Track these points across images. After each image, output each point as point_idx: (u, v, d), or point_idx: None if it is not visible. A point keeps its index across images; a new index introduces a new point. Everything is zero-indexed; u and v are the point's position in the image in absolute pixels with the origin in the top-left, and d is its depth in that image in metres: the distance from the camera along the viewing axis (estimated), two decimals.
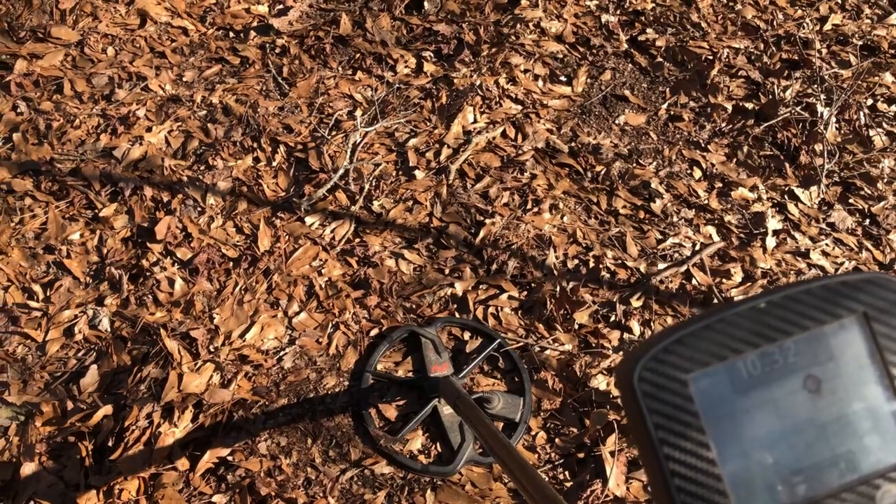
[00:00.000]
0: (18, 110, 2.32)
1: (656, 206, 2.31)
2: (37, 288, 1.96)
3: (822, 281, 0.45)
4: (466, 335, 1.98)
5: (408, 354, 1.94)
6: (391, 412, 1.83)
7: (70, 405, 1.76)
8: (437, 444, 1.80)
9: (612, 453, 1.77)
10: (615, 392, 1.87)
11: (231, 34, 2.69)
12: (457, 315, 2.00)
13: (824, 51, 2.83)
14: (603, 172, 2.37)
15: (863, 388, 0.44)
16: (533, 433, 1.83)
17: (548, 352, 1.96)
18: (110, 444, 1.68)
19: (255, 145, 2.32)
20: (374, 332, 1.96)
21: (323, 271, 2.06)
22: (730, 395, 0.43)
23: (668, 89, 2.68)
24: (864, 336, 0.45)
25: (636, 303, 2.07)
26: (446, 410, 1.81)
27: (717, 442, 0.42)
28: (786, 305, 0.45)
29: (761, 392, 0.43)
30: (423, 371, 1.87)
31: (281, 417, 1.79)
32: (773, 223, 2.31)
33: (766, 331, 0.44)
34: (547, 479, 1.76)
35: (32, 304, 1.93)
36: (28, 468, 1.64)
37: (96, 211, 2.12)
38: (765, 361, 0.44)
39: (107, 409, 1.74)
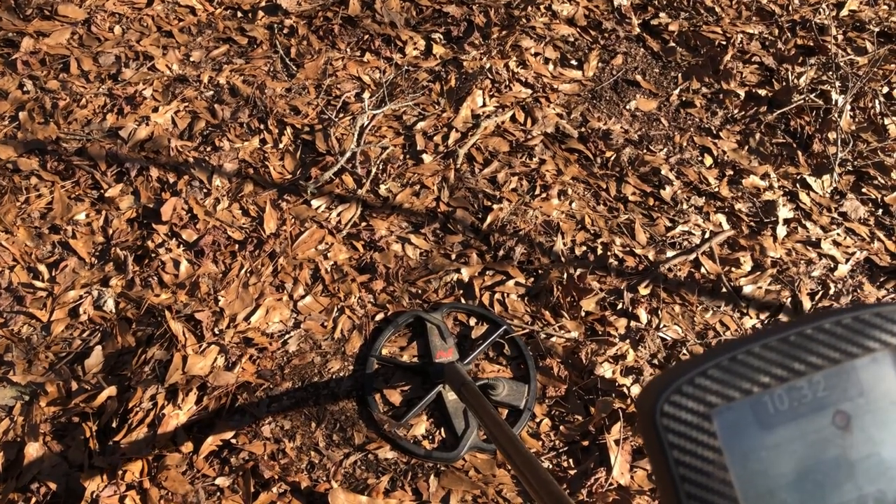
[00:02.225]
0: (25, 89, 2.31)
1: (666, 193, 2.28)
2: (42, 268, 1.96)
3: (854, 312, 0.43)
4: (472, 321, 1.97)
5: (413, 340, 1.93)
6: (395, 397, 1.83)
7: (74, 386, 1.76)
8: (441, 430, 1.80)
9: (616, 442, 1.76)
10: (621, 380, 1.86)
11: (239, 14, 2.66)
12: (462, 301, 1.99)
13: (840, 37, 2.78)
14: (613, 158, 2.35)
15: (894, 426, 0.43)
16: (538, 420, 1.82)
17: (554, 339, 1.94)
18: (114, 425, 1.68)
19: (261, 127, 2.31)
20: (379, 317, 1.95)
21: (329, 255, 2.05)
22: (755, 431, 0.41)
23: (680, 74, 2.64)
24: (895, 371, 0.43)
25: (644, 291, 2.05)
26: (451, 396, 1.80)
27: (740, 480, 0.40)
28: (816, 337, 0.42)
29: (788, 428, 0.42)
30: (429, 357, 1.86)
31: (285, 401, 1.79)
32: (784, 212, 2.28)
33: (795, 364, 0.42)
34: (551, 466, 1.75)
35: (38, 283, 1.93)
36: (32, 448, 1.65)
37: (102, 191, 2.11)
38: (792, 396, 0.42)
39: (111, 391, 1.73)
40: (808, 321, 0.43)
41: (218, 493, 1.64)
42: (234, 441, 1.70)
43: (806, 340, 0.42)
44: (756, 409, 0.41)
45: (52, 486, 1.61)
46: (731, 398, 0.41)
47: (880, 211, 2.34)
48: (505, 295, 2.01)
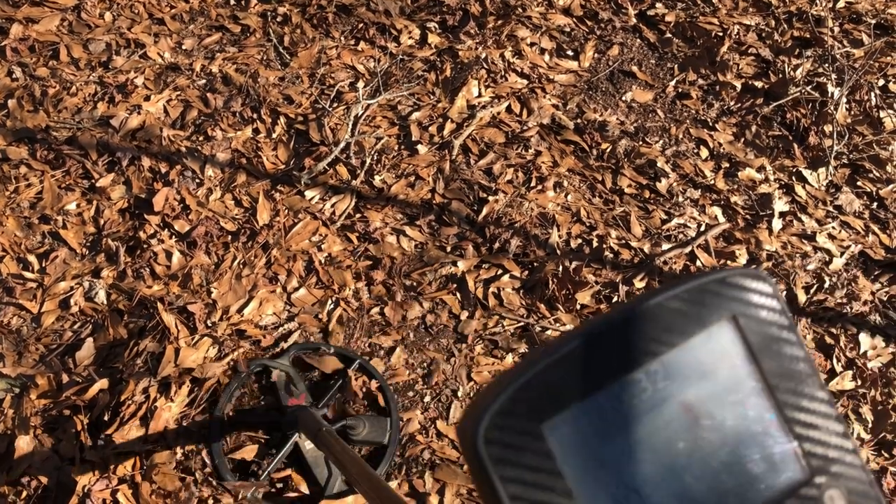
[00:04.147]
0: (14, 76, 2.27)
1: (662, 185, 2.28)
2: (32, 258, 1.93)
3: (681, 285, 0.38)
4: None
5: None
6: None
7: (65, 378, 1.74)
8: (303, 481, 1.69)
9: None
10: None
11: (232, 1, 2.63)
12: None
13: (836, 29, 2.77)
14: (608, 150, 2.33)
15: (743, 407, 0.38)
16: None
17: (549, 332, 1.94)
18: (106, 418, 1.67)
19: (254, 116, 2.28)
20: (374, 310, 1.93)
21: (323, 246, 2.03)
22: (595, 440, 0.35)
23: (676, 66, 2.63)
24: (736, 344, 0.38)
25: (639, 283, 2.04)
26: (308, 445, 1.67)
27: (587, 501, 0.35)
28: (645, 319, 0.37)
29: (632, 430, 0.36)
30: (279, 406, 1.73)
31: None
32: (780, 205, 2.28)
33: (628, 354, 0.36)
34: None
35: (27, 274, 1.91)
36: (23, 441, 1.63)
37: (93, 181, 2.09)
38: (631, 393, 0.36)
39: (103, 383, 1.72)
40: (633, 305, 0.38)
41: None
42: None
43: (635, 325, 0.37)
44: (593, 414, 0.36)
45: (43, 479, 1.59)
46: (563, 406, 0.35)
47: (875, 204, 2.34)
48: (500, 288, 2.00)
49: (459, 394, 1.83)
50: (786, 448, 0.38)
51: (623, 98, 2.51)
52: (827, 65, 2.59)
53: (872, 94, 2.56)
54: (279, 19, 2.57)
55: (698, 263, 2.11)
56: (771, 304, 0.39)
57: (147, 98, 2.28)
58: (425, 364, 1.88)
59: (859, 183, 2.38)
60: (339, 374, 1.81)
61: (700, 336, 0.38)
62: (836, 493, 0.38)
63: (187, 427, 1.70)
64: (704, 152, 2.40)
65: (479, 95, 2.43)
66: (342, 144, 2.18)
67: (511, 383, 0.35)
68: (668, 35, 2.70)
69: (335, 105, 2.33)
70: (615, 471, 0.35)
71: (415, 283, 1.98)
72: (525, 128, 2.36)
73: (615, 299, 2.00)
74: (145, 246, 1.96)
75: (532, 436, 0.35)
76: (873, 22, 2.79)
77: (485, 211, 2.13)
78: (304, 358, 1.82)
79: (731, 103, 2.54)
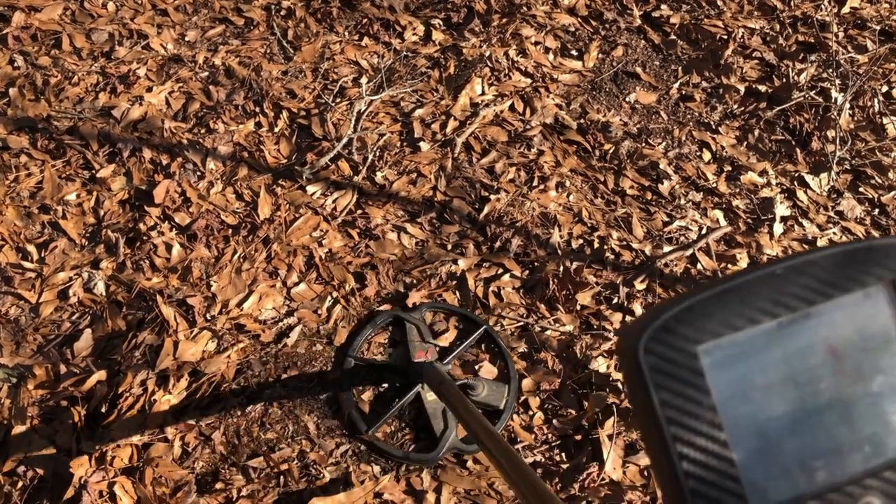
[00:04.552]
0: (16, 64, 2.26)
1: (664, 187, 2.27)
2: (31, 248, 1.92)
3: (846, 246, 0.41)
4: (453, 321, 1.93)
5: (393, 339, 1.90)
6: (373, 397, 1.80)
7: (63, 369, 1.73)
8: (419, 431, 1.76)
9: (609, 436, 1.75)
10: (616, 375, 1.85)
11: None
12: (446, 299, 1.97)
13: (841, 34, 2.77)
14: (611, 151, 2.33)
15: (889, 363, 0.40)
16: (531, 413, 1.81)
17: (548, 332, 1.93)
18: (103, 410, 1.66)
19: (257, 110, 2.27)
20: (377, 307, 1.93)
21: (323, 242, 2.02)
22: (744, 369, 0.39)
23: (680, 68, 2.63)
24: (891, 306, 0.40)
25: (640, 285, 2.04)
26: (430, 397, 1.75)
27: (729, 422, 0.38)
28: (806, 272, 0.40)
29: (779, 367, 0.39)
30: (407, 356, 1.82)
31: (278, 389, 1.77)
32: (782, 209, 2.27)
33: (785, 299, 0.39)
34: (543, 460, 1.75)
35: (26, 264, 1.90)
36: (19, 432, 1.62)
37: (94, 171, 2.08)
38: (783, 333, 0.39)
39: (100, 375, 1.71)
40: (797, 256, 0.40)
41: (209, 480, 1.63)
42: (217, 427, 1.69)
43: (796, 275, 0.40)
44: (745, 347, 0.39)
45: (40, 470, 1.58)
46: (719, 334, 0.39)
47: (876, 211, 2.34)
48: (500, 288, 1.99)
49: None
50: None
51: (626, 99, 2.51)
52: (831, 70, 2.59)
53: (876, 101, 2.56)
54: (283, 13, 2.57)
55: (699, 266, 2.10)
56: None
57: (149, 89, 2.27)
58: None
59: (861, 189, 2.38)
60: (465, 336, 1.88)
61: (857, 293, 0.40)
62: None
63: (323, 372, 1.79)
64: (707, 155, 2.40)
65: (483, 93, 2.42)
66: (344, 140, 2.18)
67: (676, 305, 0.39)
68: (673, 37, 2.70)
69: (338, 100, 2.32)
70: (759, 399, 0.39)
71: (415, 281, 1.98)
72: (528, 127, 2.35)
73: (615, 300, 2.00)
74: (145, 238, 1.95)
75: (688, 354, 0.38)
76: (878, 28, 2.79)
77: (486, 209, 2.12)
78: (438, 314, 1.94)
79: (735, 107, 2.54)
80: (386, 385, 1.81)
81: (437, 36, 2.56)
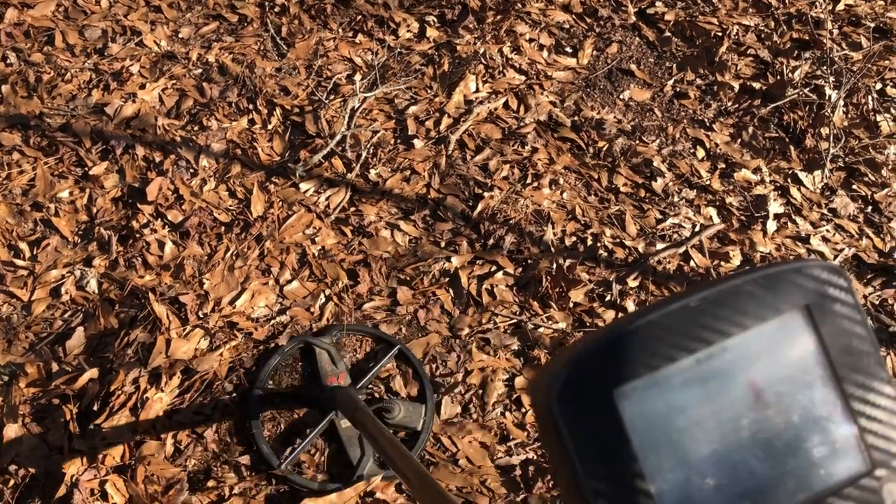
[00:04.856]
0: (8, 61, 2.25)
1: (657, 184, 2.27)
2: (23, 246, 1.92)
3: (759, 272, 0.40)
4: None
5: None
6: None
7: (55, 367, 1.73)
8: (335, 459, 1.71)
9: None
10: None
11: None
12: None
13: (835, 31, 2.77)
14: (605, 148, 2.33)
15: (809, 394, 0.39)
16: (523, 411, 1.82)
17: (541, 330, 1.93)
18: (95, 408, 1.66)
19: (250, 107, 2.27)
20: (366, 305, 1.93)
21: (316, 239, 2.02)
22: (664, 410, 0.37)
23: (674, 65, 2.62)
24: (807, 333, 0.40)
25: (633, 283, 2.04)
26: (344, 423, 1.70)
27: (651, 469, 0.36)
28: (721, 302, 0.39)
29: (700, 405, 0.38)
30: (319, 383, 1.76)
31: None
32: (775, 207, 2.28)
33: (702, 332, 0.38)
34: (535, 457, 1.75)
35: (18, 262, 1.89)
36: (11, 430, 1.62)
37: (86, 169, 2.07)
38: (701, 369, 0.38)
39: (92, 373, 1.71)
40: (710, 285, 0.39)
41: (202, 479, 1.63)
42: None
43: (711, 306, 0.39)
44: (663, 387, 0.38)
45: (31, 468, 1.58)
46: (635, 375, 0.37)
47: (870, 208, 2.35)
48: (493, 285, 1.99)
49: (455, 390, 1.83)
50: (849, 438, 0.40)
51: (621, 96, 2.51)
52: (825, 67, 2.59)
53: (870, 98, 2.56)
54: (277, 9, 2.56)
55: (692, 264, 2.11)
56: (845, 297, 0.41)
57: (142, 86, 2.26)
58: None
59: (854, 186, 2.38)
60: (378, 357, 1.84)
61: (773, 322, 0.39)
62: None
63: (224, 402, 1.73)
64: (701, 152, 2.40)
65: (477, 91, 2.42)
66: (338, 137, 2.17)
67: (587, 348, 0.37)
68: (668, 34, 2.70)
69: (332, 97, 2.32)
70: (680, 440, 0.37)
71: (408, 278, 1.98)
72: (522, 124, 2.35)
73: (608, 298, 2.00)
74: (138, 235, 1.95)
75: (603, 399, 0.37)
76: (872, 25, 2.79)
77: (480, 207, 2.12)
78: (345, 339, 1.87)
79: (729, 104, 2.54)
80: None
81: (432, 33, 2.56)
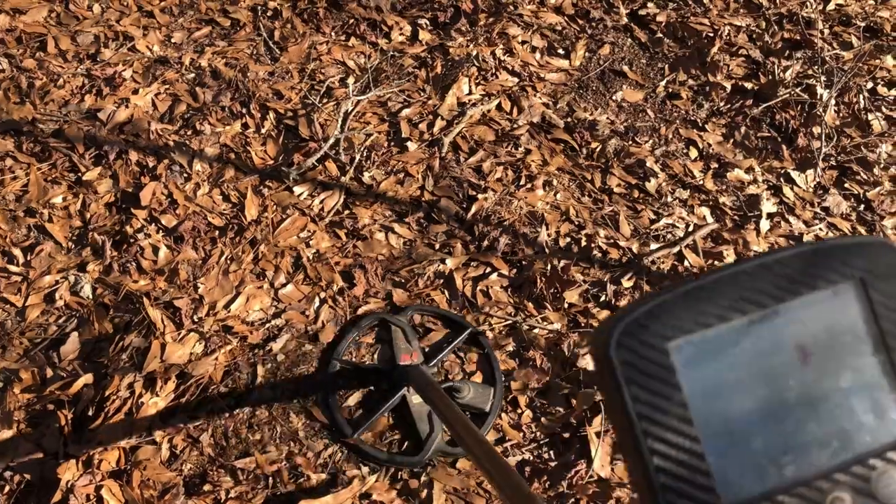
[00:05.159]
0: (0, 67, 2.25)
1: (651, 185, 2.28)
2: (17, 252, 1.92)
3: (815, 245, 0.42)
4: (438, 323, 1.93)
5: (378, 342, 1.89)
6: (358, 400, 1.78)
7: (50, 373, 1.73)
8: (406, 434, 1.75)
9: (597, 434, 1.76)
10: None
11: None
12: (435, 300, 1.98)
13: (826, 31, 2.78)
14: (598, 149, 2.34)
15: (857, 361, 0.41)
16: (519, 411, 1.82)
17: (536, 330, 1.94)
18: (90, 413, 1.66)
19: (244, 111, 2.27)
20: (363, 309, 1.93)
21: (311, 243, 2.02)
22: (714, 366, 0.39)
23: (667, 66, 2.63)
24: (860, 304, 0.41)
25: (627, 283, 2.04)
26: (415, 400, 1.74)
27: (699, 418, 0.39)
28: (776, 270, 0.41)
29: (748, 363, 0.40)
30: (393, 359, 1.82)
31: (266, 392, 1.77)
32: (768, 206, 2.28)
33: (755, 296, 0.40)
34: (531, 458, 1.75)
35: (12, 268, 1.89)
36: (6, 436, 1.62)
37: (80, 174, 2.07)
38: (752, 330, 0.40)
39: (87, 378, 1.71)
40: (768, 255, 0.41)
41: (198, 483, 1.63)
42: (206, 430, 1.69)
43: (766, 272, 0.41)
44: (716, 343, 0.40)
45: (27, 474, 1.58)
46: (690, 331, 0.39)
47: (862, 206, 2.35)
48: (488, 287, 2.00)
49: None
50: (895, 404, 0.41)
51: (613, 97, 2.51)
52: (816, 67, 2.60)
53: (861, 97, 2.57)
54: (269, 14, 2.56)
55: (686, 264, 2.11)
56: None
57: (135, 91, 2.26)
58: None
59: (847, 185, 2.39)
60: (451, 339, 1.88)
61: (826, 291, 0.41)
62: None
63: (308, 375, 1.79)
64: (694, 153, 2.41)
65: (470, 93, 2.42)
66: (331, 140, 2.17)
67: (647, 302, 0.40)
68: (659, 35, 2.71)
69: (325, 101, 2.32)
70: (728, 394, 0.39)
71: (403, 280, 1.98)
72: (515, 126, 2.36)
73: (603, 298, 2.00)
74: (132, 240, 1.95)
75: (659, 350, 0.39)
76: (863, 25, 2.81)
77: (474, 209, 2.13)
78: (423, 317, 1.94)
79: (721, 104, 2.55)
80: (372, 388, 1.80)
81: (424, 36, 2.56)
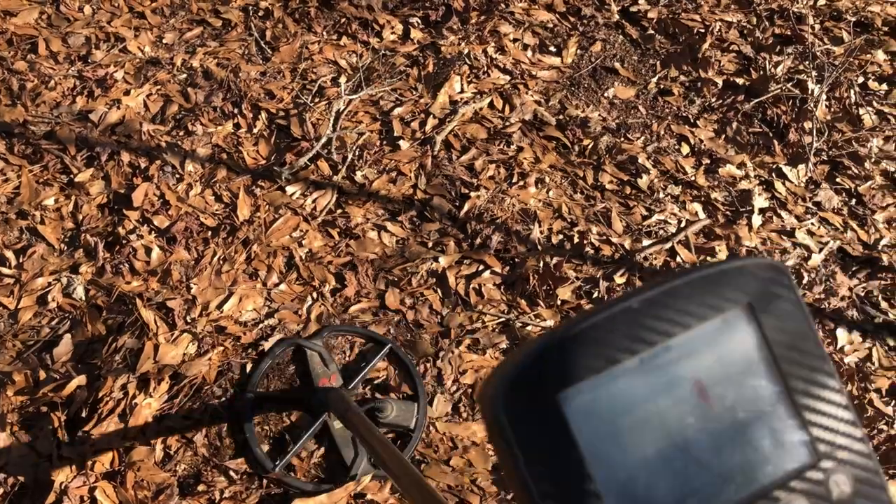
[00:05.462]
0: None
1: (643, 181, 2.28)
2: (9, 254, 1.92)
3: (699, 271, 0.40)
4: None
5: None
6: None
7: (43, 375, 1.73)
8: (329, 460, 1.72)
9: None
10: None
11: None
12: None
13: (817, 26, 2.79)
14: (590, 146, 2.34)
15: (753, 389, 0.39)
16: None
17: (529, 328, 1.94)
18: (84, 415, 1.66)
19: (235, 111, 2.27)
20: (354, 307, 1.93)
21: (303, 242, 2.02)
22: (609, 412, 0.37)
23: (658, 62, 2.64)
24: (750, 329, 0.40)
25: (620, 279, 2.05)
26: (337, 425, 1.71)
27: (598, 472, 0.36)
28: (662, 302, 0.39)
29: (644, 405, 0.38)
30: (310, 385, 1.77)
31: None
32: (760, 201, 2.29)
33: (644, 333, 0.38)
34: None
35: (4, 270, 1.89)
36: None
37: (72, 176, 2.07)
38: (645, 370, 0.38)
39: (80, 380, 1.71)
40: (652, 287, 0.39)
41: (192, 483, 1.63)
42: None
43: (652, 307, 0.39)
44: (607, 388, 0.37)
45: (21, 477, 1.58)
46: (579, 378, 0.37)
47: (854, 201, 2.36)
48: (481, 285, 2.00)
49: (445, 387, 1.83)
50: (794, 432, 0.40)
51: (605, 94, 2.52)
52: (807, 62, 2.61)
53: (852, 92, 2.58)
54: (261, 14, 2.56)
55: (678, 259, 2.12)
56: (787, 294, 0.41)
57: (127, 92, 2.26)
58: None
59: (838, 179, 2.40)
60: (369, 357, 1.83)
61: (715, 320, 0.40)
62: (842, 478, 0.40)
63: (214, 406, 1.73)
64: (685, 149, 2.41)
65: (462, 91, 2.43)
66: (324, 140, 2.18)
67: (530, 352, 0.37)
68: (651, 31, 2.71)
69: (317, 100, 2.32)
70: (626, 441, 0.37)
71: (396, 279, 1.98)
72: (507, 124, 2.36)
73: (595, 295, 2.01)
74: (124, 241, 1.95)
75: (549, 403, 0.37)
76: (853, 19, 2.81)
77: (466, 207, 2.13)
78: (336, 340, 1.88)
79: (713, 100, 2.55)
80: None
81: (416, 34, 2.57)
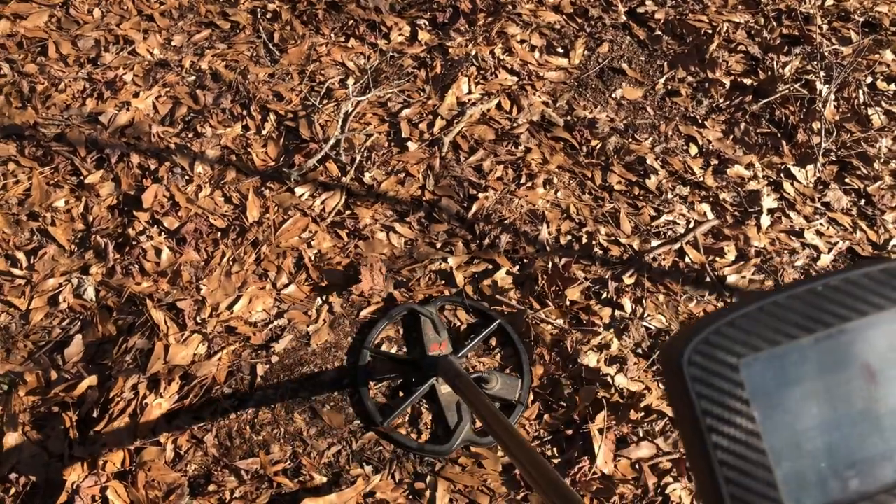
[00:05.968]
0: (1, 72, 2.26)
1: (651, 182, 2.28)
2: (20, 255, 1.93)
3: (883, 264, 0.43)
4: (466, 315, 1.95)
5: (407, 332, 1.91)
6: (388, 390, 1.82)
7: (54, 375, 1.74)
8: (432, 423, 1.78)
9: (600, 430, 1.76)
10: (605, 369, 1.86)
11: None
12: (456, 293, 1.98)
13: (825, 26, 2.78)
14: (598, 147, 2.34)
15: None
16: None
17: (540, 327, 1.94)
18: (95, 415, 1.66)
19: (244, 113, 2.28)
20: (368, 310, 1.93)
21: (313, 243, 2.03)
22: (782, 381, 0.41)
23: (666, 63, 2.64)
24: None
25: (628, 280, 2.05)
26: (444, 389, 1.78)
27: (767, 431, 0.40)
28: (844, 289, 0.42)
29: (815, 379, 0.41)
30: (422, 350, 1.85)
31: (270, 392, 1.77)
32: (769, 201, 2.29)
33: (823, 315, 0.42)
34: None
35: (16, 271, 1.90)
36: (11, 438, 1.63)
37: (82, 177, 2.08)
38: (820, 348, 0.42)
39: (91, 380, 1.71)
40: (836, 273, 0.43)
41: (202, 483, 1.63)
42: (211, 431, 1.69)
43: (833, 292, 0.42)
44: (784, 360, 0.41)
45: (32, 476, 1.59)
46: (759, 348, 0.41)
47: (863, 201, 2.36)
48: (490, 285, 2.00)
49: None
50: None
51: (613, 95, 2.52)
52: (815, 62, 2.60)
53: (860, 92, 2.57)
54: (269, 16, 2.57)
55: (687, 260, 2.11)
56: None
57: (136, 95, 2.27)
58: None
59: (847, 180, 2.39)
60: (479, 329, 1.90)
61: (891, 311, 0.43)
62: None
63: (340, 367, 1.82)
64: (693, 149, 2.41)
65: (469, 92, 2.43)
66: (332, 141, 2.18)
67: (718, 320, 0.42)
68: (658, 32, 2.71)
69: (325, 102, 2.33)
70: (796, 409, 0.41)
71: (404, 279, 1.99)
72: (515, 125, 2.36)
73: (604, 295, 2.01)
74: (134, 243, 1.96)
75: (729, 366, 0.41)
76: (861, 20, 2.81)
77: (475, 207, 2.13)
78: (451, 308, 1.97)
79: (721, 100, 2.55)
80: (401, 378, 1.83)
81: (423, 36, 2.57)
